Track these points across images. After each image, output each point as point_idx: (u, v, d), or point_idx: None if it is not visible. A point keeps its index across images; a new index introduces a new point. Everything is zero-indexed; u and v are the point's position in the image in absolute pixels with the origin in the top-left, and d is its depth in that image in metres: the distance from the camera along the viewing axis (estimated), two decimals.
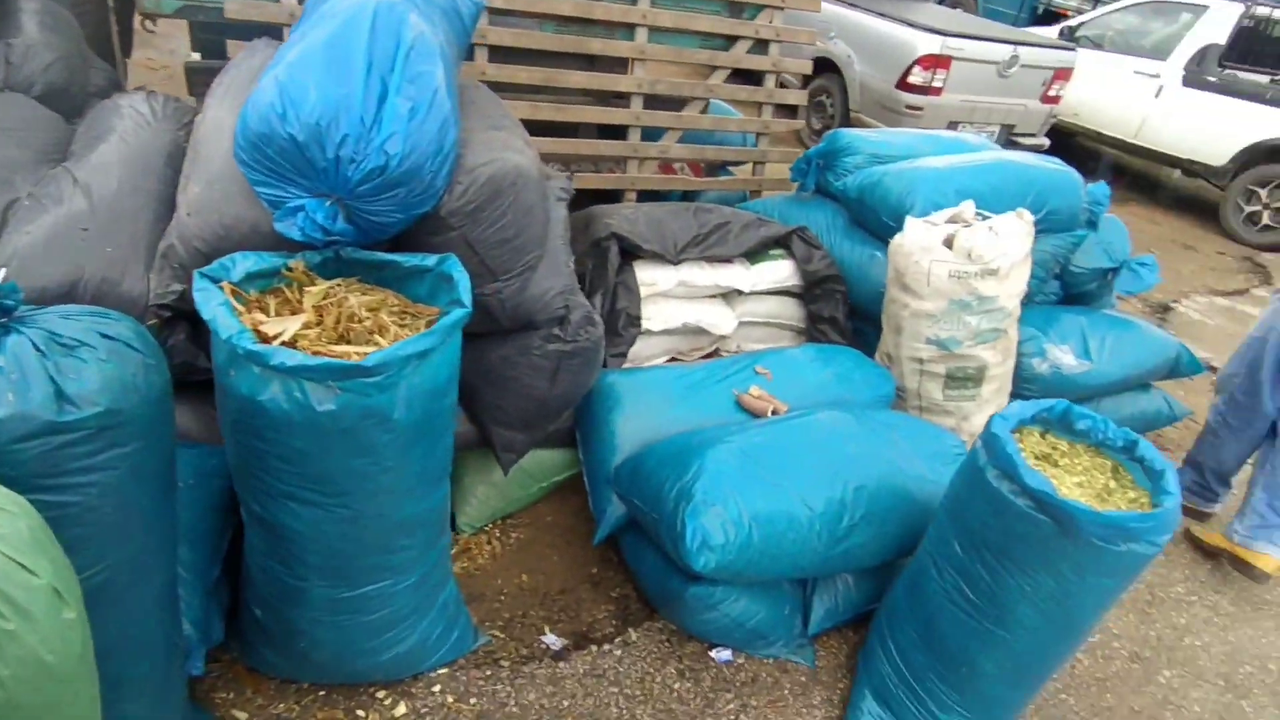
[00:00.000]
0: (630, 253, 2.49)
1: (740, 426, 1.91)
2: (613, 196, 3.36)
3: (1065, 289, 3.01)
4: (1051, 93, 5.89)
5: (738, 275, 2.64)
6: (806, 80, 6.30)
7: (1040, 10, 9.88)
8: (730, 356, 2.44)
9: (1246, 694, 2.03)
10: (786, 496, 1.72)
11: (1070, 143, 7.44)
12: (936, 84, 5.41)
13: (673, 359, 2.71)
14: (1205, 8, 6.25)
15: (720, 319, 2.65)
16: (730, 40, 3.32)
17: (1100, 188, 2.91)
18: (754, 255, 2.74)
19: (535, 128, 3.13)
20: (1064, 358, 2.59)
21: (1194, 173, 6.27)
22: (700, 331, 2.66)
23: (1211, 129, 5.97)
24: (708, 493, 1.67)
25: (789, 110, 3.90)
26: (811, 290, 2.77)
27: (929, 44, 5.31)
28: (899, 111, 5.50)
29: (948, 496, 1.60)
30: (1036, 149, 6.17)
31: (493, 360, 1.83)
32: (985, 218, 2.34)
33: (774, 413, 2.05)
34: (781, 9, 3.35)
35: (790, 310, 2.83)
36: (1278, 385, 2.50)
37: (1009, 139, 5.97)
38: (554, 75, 3.03)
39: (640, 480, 1.81)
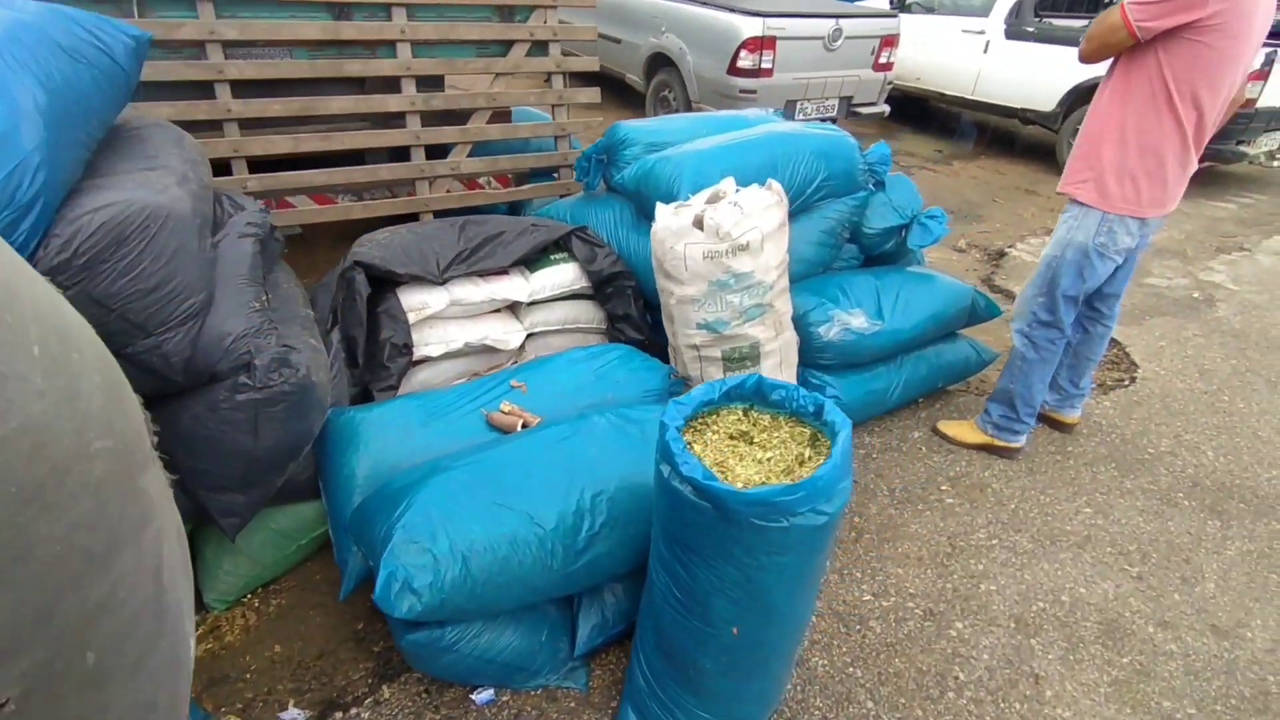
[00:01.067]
0: (390, 279, 2.33)
1: (474, 449, 1.76)
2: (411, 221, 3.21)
3: (864, 251, 2.97)
4: (882, 60, 5.94)
5: (515, 286, 2.50)
6: (648, 76, 6.27)
7: None
8: (488, 374, 2.30)
9: (1037, 632, 1.96)
10: (511, 518, 1.58)
11: (926, 107, 7.56)
12: (766, 65, 5.39)
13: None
14: None
15: (506, 333, 2.51)
16: (506, 45, 3.19)
17: (880, 147, 2.87)
18: (534, 263, 2.61)
19: (307, 160, 2.97)
20: (854, 320, 2.52)
21: (1030, 120, 6.40)
22: (489, 349, 2.51)
23: (1036, 77, 6.10)
24: (412, 530, 1.52)
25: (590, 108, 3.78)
26: (602, 289, 2.65)
27: (751, 27, 5.28)
28: (734, 97, 5.46)
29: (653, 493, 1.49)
30: (878, 116, 6.23)
31: (184, 423, 1.65)
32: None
33: (524, 426, 1.92)
34: (554, 8, 3.23)
35: (587, 313, 2.71)
36: (1073, 302, 2.49)
37: (850, 110, 6.00)
38: (311, 104, 2.85)
39: (363, 525, 1.65)
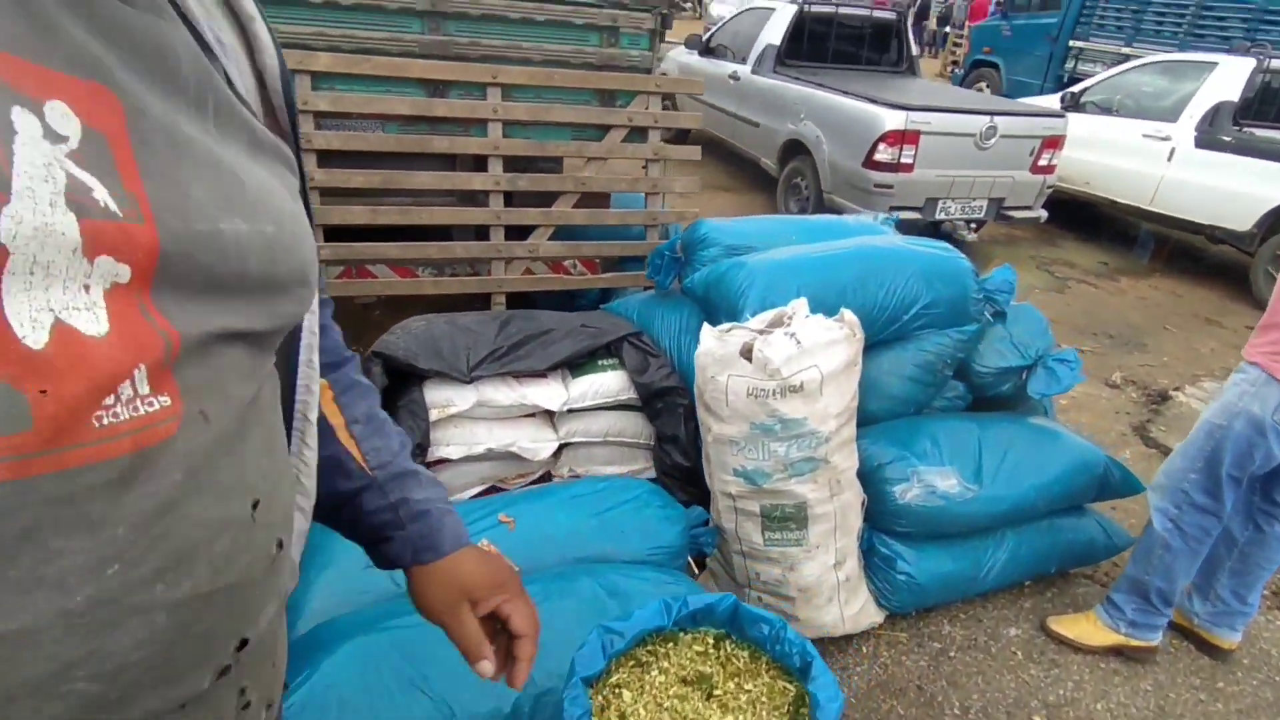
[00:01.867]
0: (421, 372, 2.14)
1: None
2: (486, 301, 3.06)
3: (974, 392, 2.48)
4: (1043, 162, 5.34)
5: (550, 393, 2.23)
6: (782, 163, 5.99)
7: (1065, 79, 9.33)
8: (481, 499, 2.02)
9: None
10: (424, 708, 1.27)
11: (1094, 214, 6.78)
12: (905, 160, 4.96)
13: (492, 488, 2.30)
14: (1214, 65, 5.65)
15: (535, 442, 2.24)
16: (603, 129, 3.01)
17: (1004, 272, 2.40)
18: (578, 366, 2.34)
19: (385, 233, 2.89)
20: (942, 482, 2.05)
21: (1219, 239, 5.52)
22: (515, 457, 2.25)
23: (1231, 192, 5.26)
24: (300, 715, 1.24)
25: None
26: (652, 404, 2.33)
27: (893, 120, 4.89)
28: (869, 191, 5.06)
29: None
30: (1033, 221, 5.60)
31: None
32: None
33: None
34: (658, 94, 3.03)
35: (634, 427, 2.40)
36: (1237, 484, 1.92)
37: (1000, 212, 5.43)
38: (394, 178, 2.77)
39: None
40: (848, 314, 1.87)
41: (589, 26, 2.94)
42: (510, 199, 2.99)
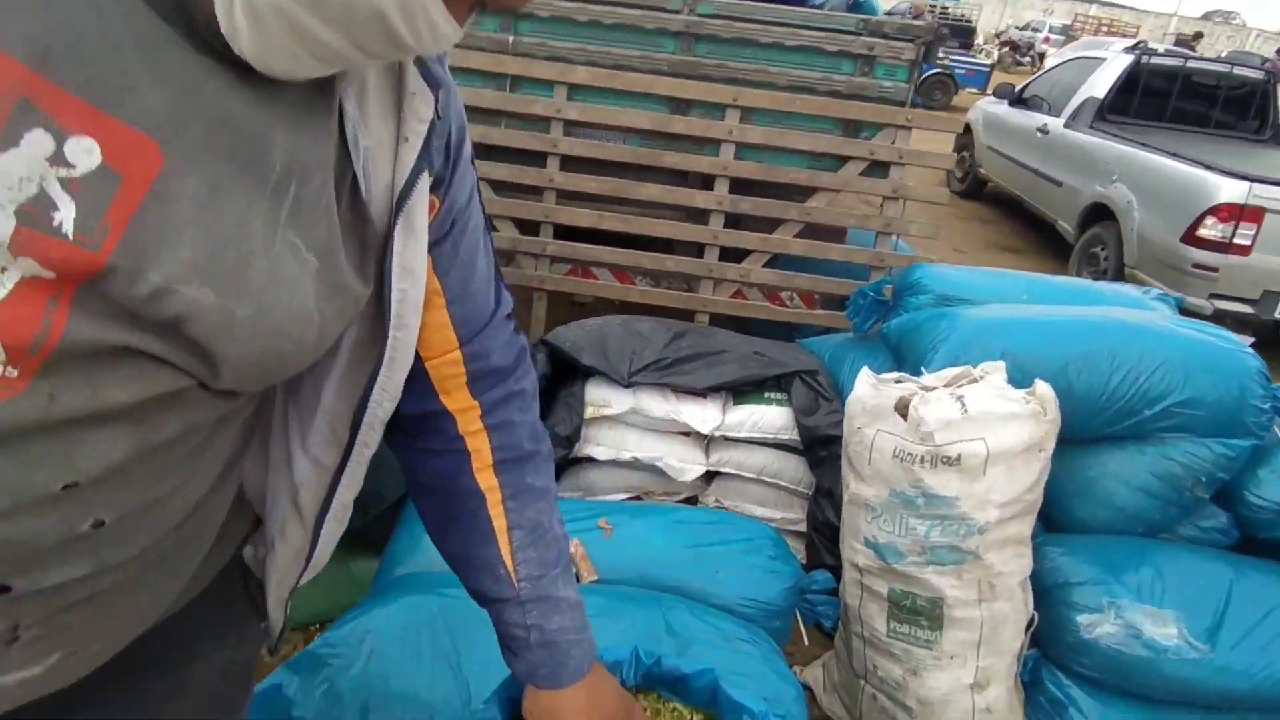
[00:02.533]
0: (582, 368, 2.15)
1: None
2: (691, 319, 3.02)
3: (1243, 527, 1.89)
4: None
5: (704, 414, 2.12)
6: (1082, 227, 5.21)
7: None
8: (591, 501, 1.94)
9: None
10: (445, 682, 1.24)
11: None
12: (1240, 241, 4.04)
13: (636, 498, 2.25)
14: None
15: (682, 462, 2.15)
16: (841, 160, 2.83)
17: None
18: (743, 394, 2.20)
19: (609, 239, 2.98)
20: (1154, 627, 1.57)
21: None
22: (662, 473, 2.17)
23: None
24: (336, 646, 1.27)
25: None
26: (814, 451, 2.11)
27: (1231, 190, 4.01)
28: (1184, 271, 4.20)
29: None
30: None
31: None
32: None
33: (578, 578, 1.54)
34: (908, 129, 2.77)
35: (792, 471, 2.19)
36: None
37: None
38: (624, 187, 2.86)
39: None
40: (1041, 386, 1.52)
41: (842, 54, 2.78)
42: (732, 221, 2.92)
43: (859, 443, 1.58)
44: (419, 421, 0.72)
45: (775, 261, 2.95)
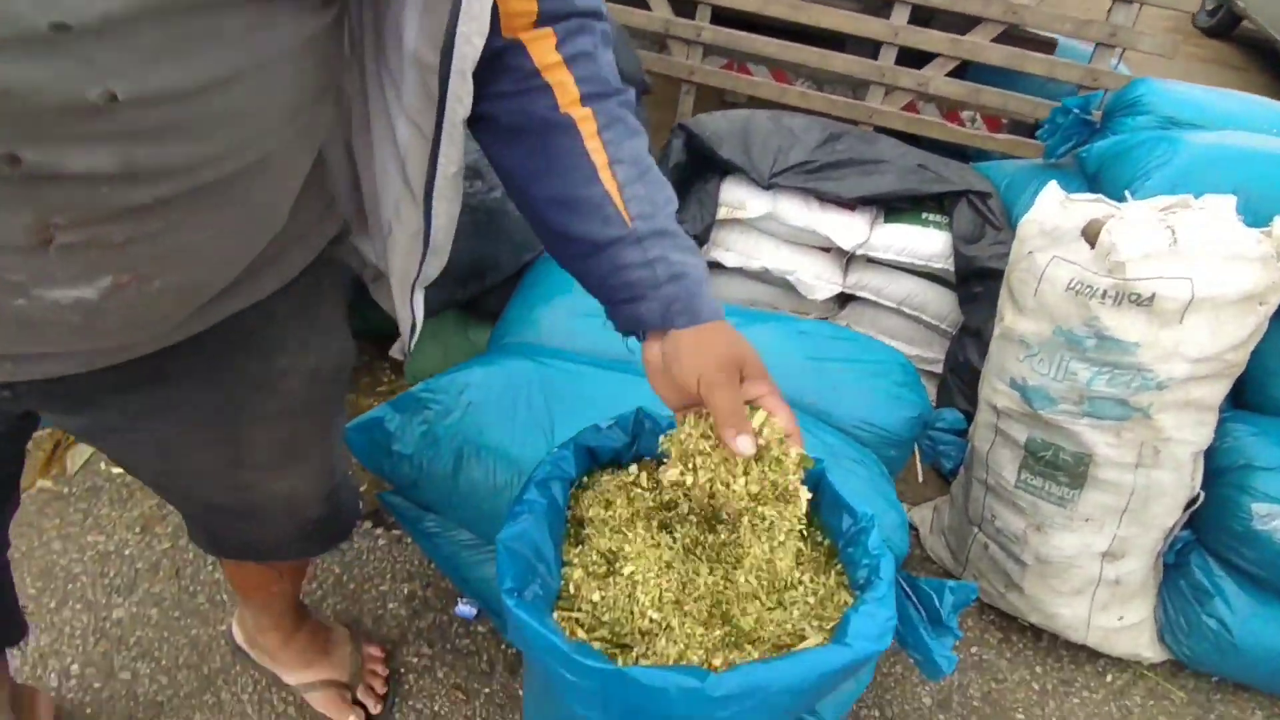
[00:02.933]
0: (720, 161, 1.96)
1: (602, 360, 1.39)
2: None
3: None
4: None
5: (848, 228, 1.91)
6: None
7: None
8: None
9: None
10: (534, 446, 1.23)
11: None
12: None
13: None
14: None
15: (815, 279, 1.98)
16: None
17: None
18: (897, 211, 1.95)
19: (770, 29, 2.64)
20: None
21: None
22: (792, 290, 2.02)
23: None
24: (438, 392, 1.28)
25: None
26: (969, 285, 1.87)
27: None
28: None
29: None
30: None
31: None
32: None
33: None
34: None
35: (938, 305, 1.98)
36: None
37: None
38: None
39: None
40: None
41: None
42: (919, 17, 2.50)
43: (1027, 269, 1.35)
44: (490, 63, 0.63)
45: (962, 71, 2.53)
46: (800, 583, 0.76)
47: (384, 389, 2.00)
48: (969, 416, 1.67)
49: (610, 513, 0.77)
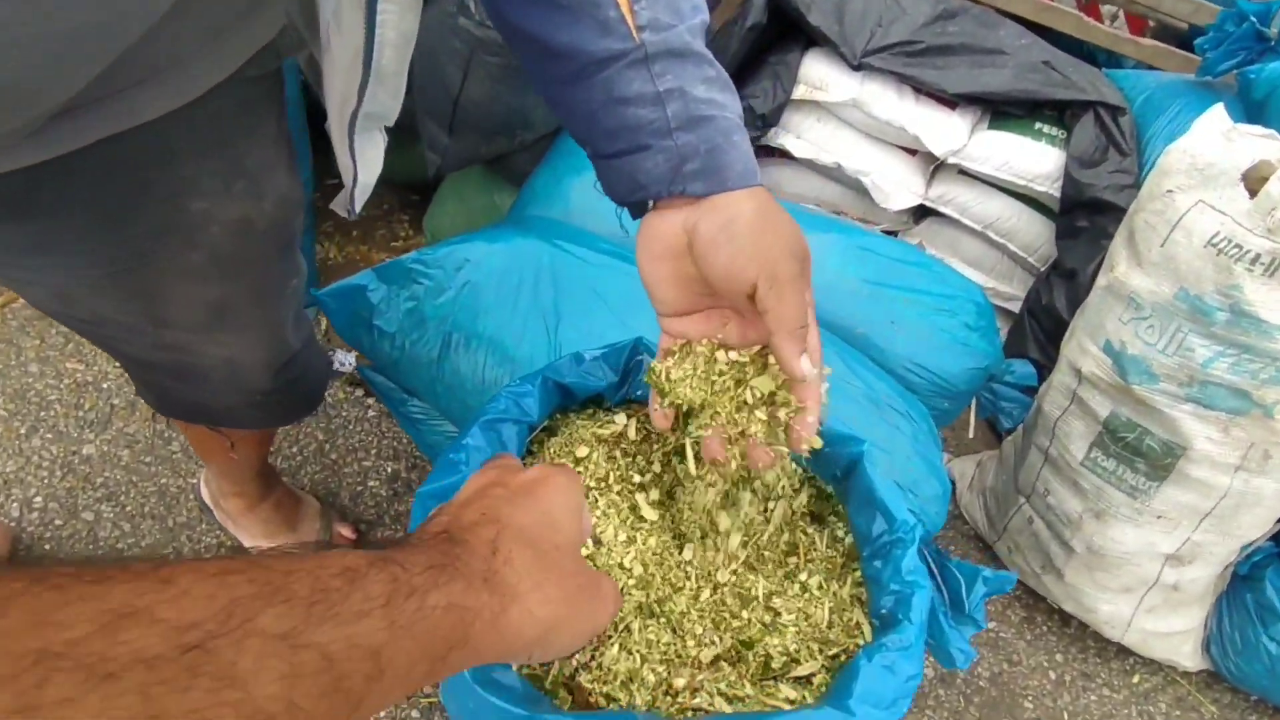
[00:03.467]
0: (807, 27, 1.66)
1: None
2: None
3: None
4: None
5: (943, 129, 1.62)
6: None
7: None
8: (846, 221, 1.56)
9: None
10: (533, 330, 1.06)
11: None
12: None
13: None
14: None
15: (893, 186, 1.71)
16: None
17: None
18: (1005, 117, 1.65)
19: None
20: None
21: None
22: (864, 194, 1.76)
23: None
24: (431, 264, 1.11)
25: None
26: (1072, 216, 1.59)
27: None
28: None
29: None
30: None
31: (425, 20, 1.39)
32: None
33: None
34: None
35: (1030, 234, 1.71)
36: None
37: None
38: None
39: None
40: None
41: None
42: None
43: (1159, 212, 1.09)
44: None
45: None
46: (803, 584, 0.60)
47: (399, 245, 1.83)
48: (1041, 371, 1.46)
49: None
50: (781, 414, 0.51)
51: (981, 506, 1.49)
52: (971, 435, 1.50)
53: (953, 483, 1.57)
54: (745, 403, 0.51)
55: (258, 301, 0.78)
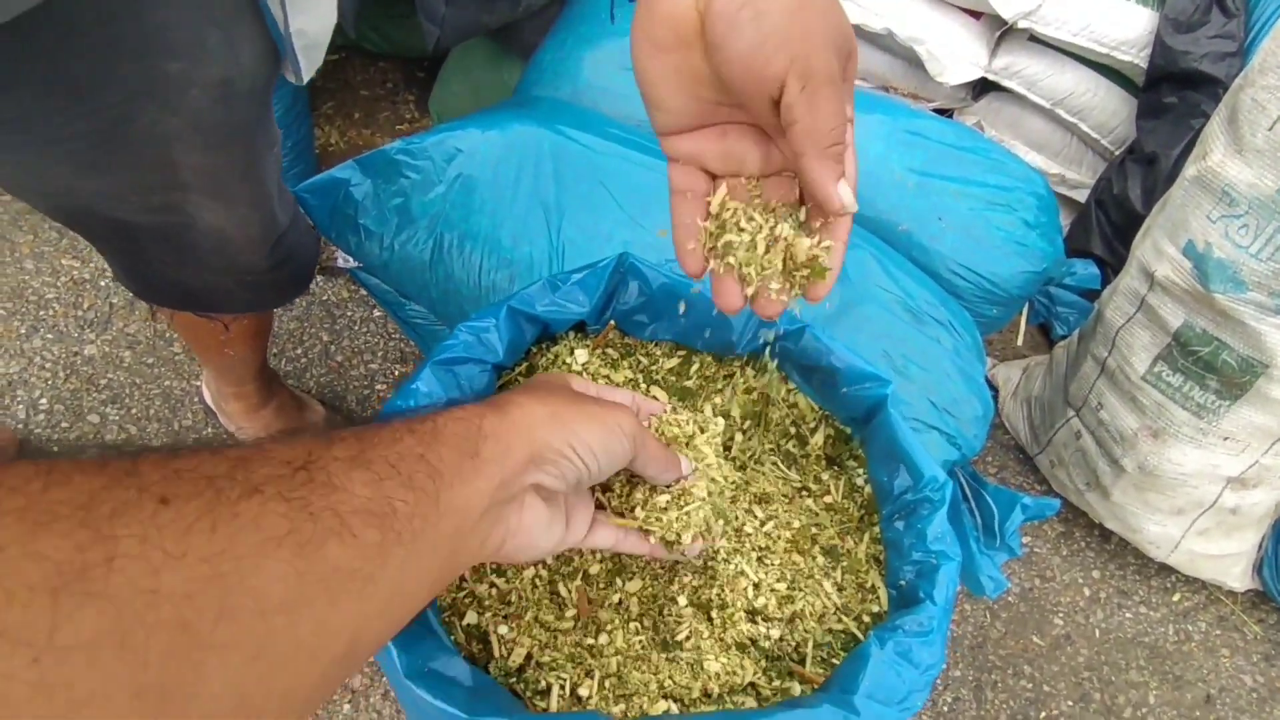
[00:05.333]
0: None
1: (642, 148, 1.06)
2: None
3: None
4: None
5: None
6: None
7: None
8: (897, 97, 1.38)
9: None
10: (532, 225, 0.96)
11: None
12: None
13: (879, 89, 1.67)
14: None
15: (949, 57, 1.50)
16: None
17: None
18: None
19: None
20: None
21: None
22: (917, 64, 1.55)
23: None
24: (421, 153, 0.99)
25: None
26: (1157, 91, 1.38)
27: None
28: None
29: None
30: None
31: None
32: None
33: None
34: None
35: (1110, 115, 1.50)
36: None
37: None
38: None
39: None
40: None
41: None
42: None
43: (1270, 90, 0.90)
44: None
45: None
46: (813, 543, 0.52)
47: (404, 128, 1.70)
48: (1106, 272, 1.31)
49: None
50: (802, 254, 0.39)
51: (1025, 416, 1.38)
52: (1020, 342, 1.37)
53: (995, 390, 1.47)
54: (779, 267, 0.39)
55: (244, 174, 0.72)
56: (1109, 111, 1.49)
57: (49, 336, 1.30)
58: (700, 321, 0.60)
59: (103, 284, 1.36)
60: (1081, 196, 1.58)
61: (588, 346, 0.55)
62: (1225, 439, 1.05)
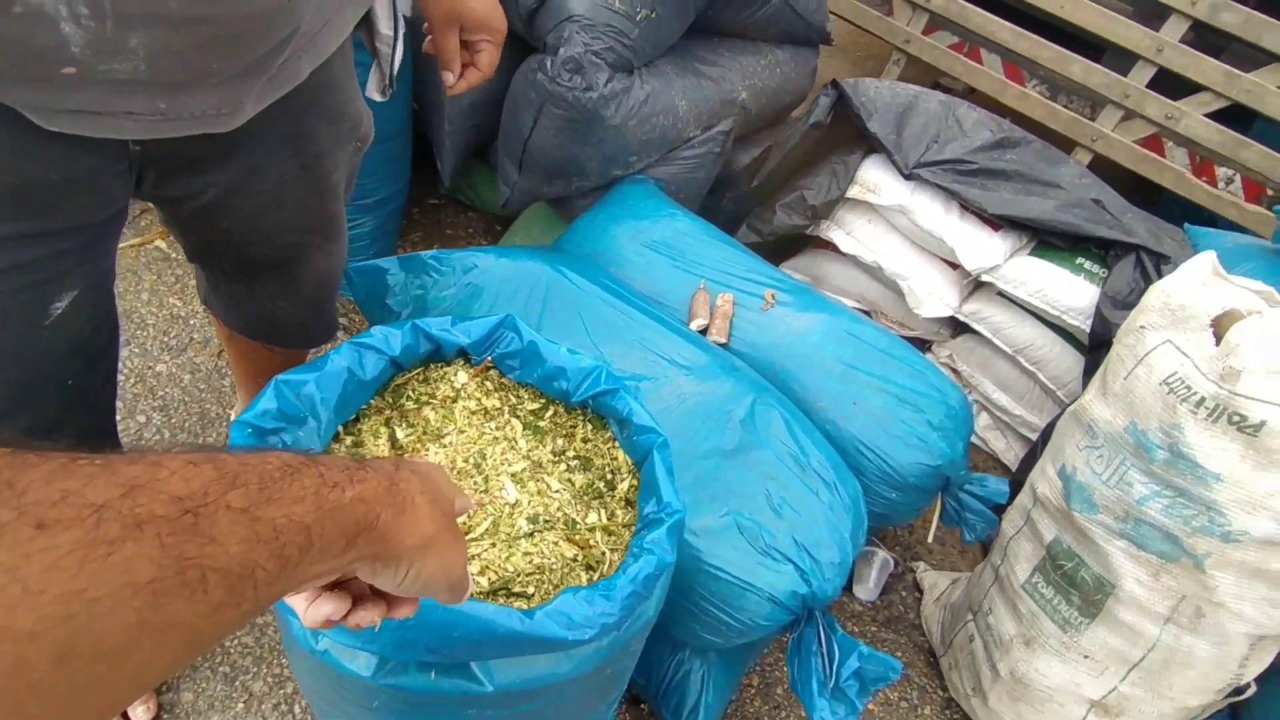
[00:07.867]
0: (867, 134, 1.76)
1: (631, 297, 1.31)
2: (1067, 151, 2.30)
3: None
4: None
5: (979, 247, 1.65)
6: None
7: None
8: (805, 283, 1.62)
9: None
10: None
11: None
12: None
13: (863, 312, 1.92)
14: None
15: (926, 295, 1.74)
16: None
17: None
18: (1047, 247, 1.65)
19: (1012, 14, 2.30)
20: None
21: None
22: (900, 298, 1.80)
23: None
24: (410, 267, 1.28)
25: None
26: (1097, 356, 1.56)
27: None
28: None
29: None
30: None
31: (510, 73, 1.61)
32: None
33: (703, 332, 1.35)
34: None
35: (1061, 366, 1.68)
36: None
37: None
38: None
39: None
40: None
41: None
42: (1195, 37, 2.05)
43: (1130, 345, 1.09)
44: None
45: (1229, 117, 2.07)
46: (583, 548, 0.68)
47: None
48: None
49: (427, 389, 0.73)
50: None
51: (939, 619, 1.44)
52: (930, 541, 1.47)
53: (920, 592, 1.54)
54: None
55: (343, 222, 0.96)
56: (1063, 367, 1.67)
57: (135, 350, 1.60)
58: (548, 374, 0.80)
59: (193, 322, 1.68)
60: (1035, 435, 1.72)
61: (469, 372, 0.76)
62: (1085, 657, 1.11)
